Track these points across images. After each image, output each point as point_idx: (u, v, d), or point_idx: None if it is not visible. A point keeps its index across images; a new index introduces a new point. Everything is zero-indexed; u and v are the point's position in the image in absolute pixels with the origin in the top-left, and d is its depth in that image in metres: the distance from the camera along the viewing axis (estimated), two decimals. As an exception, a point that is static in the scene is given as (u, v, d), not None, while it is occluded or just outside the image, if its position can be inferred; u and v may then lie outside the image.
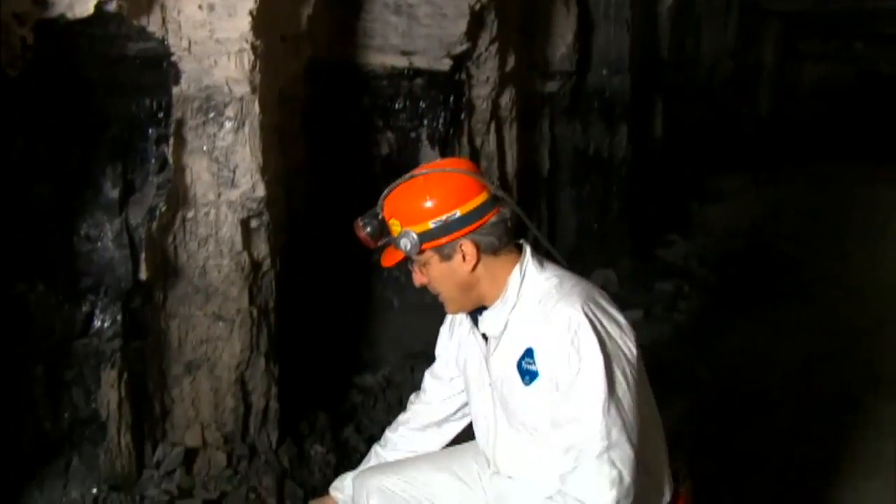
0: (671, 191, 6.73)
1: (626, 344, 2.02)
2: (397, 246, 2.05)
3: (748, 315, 5.17)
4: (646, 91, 6.22)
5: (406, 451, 2.50)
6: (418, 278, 2.13)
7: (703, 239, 6.58)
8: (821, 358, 4.48)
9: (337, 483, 2.52)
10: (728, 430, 3.76)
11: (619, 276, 5.23)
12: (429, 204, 2.02)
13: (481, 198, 2.04)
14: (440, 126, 4.10)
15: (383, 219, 2.08)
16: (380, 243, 2.11)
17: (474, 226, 2.02)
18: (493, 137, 4.41)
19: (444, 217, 2.01)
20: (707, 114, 7.82)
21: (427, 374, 2.52)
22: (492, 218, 2.04)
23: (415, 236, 2.02)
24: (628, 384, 1.97)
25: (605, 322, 2.00)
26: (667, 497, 2.17)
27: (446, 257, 2.05)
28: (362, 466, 2.54)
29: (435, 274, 2.08)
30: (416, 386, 3.87)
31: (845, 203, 7.21)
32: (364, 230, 2.08)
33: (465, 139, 4.21)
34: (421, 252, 2.04)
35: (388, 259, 2.11)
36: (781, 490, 3.33)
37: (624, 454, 1.93)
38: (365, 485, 2.40)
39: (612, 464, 1.92)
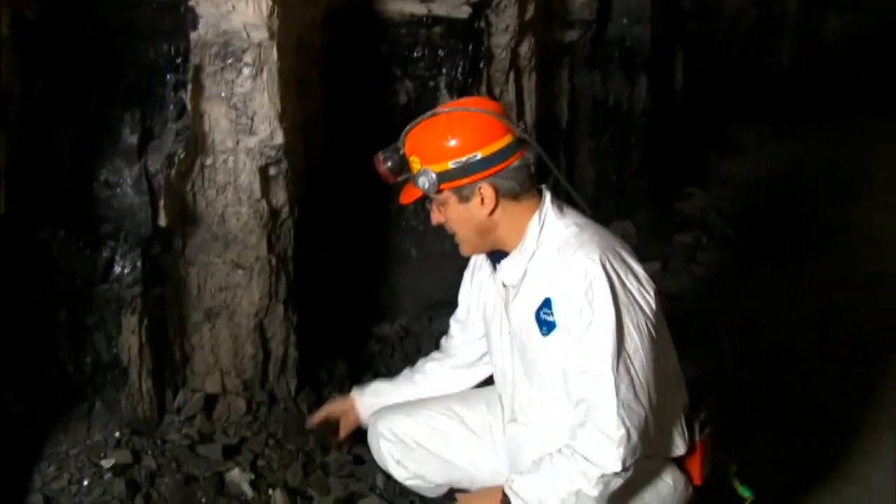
0: (690, 143, 6.66)
1: (645, 297, 2.00)
2: (416, 184, 2.02)
3: (767, 267, 5.14)
4: (666, 41, 6.12)
5: (435, 385, 2.50)
6: (436, 217, 2.12)
7: (721, 191, 6.51)
8: (840, 310, 4.46)
9: (363, 389, 2.54)
10: (746, 381, 3.76)
11: (637, 228, 5.19)
12: (450, 144, 1.98)
13: (505, 140, 2.00)
14: (459, 75, 4.06)
15: (404, 154, 2.05)
16: (399, 179, 2.09)
17: (495, 169, 1.99)
18: (511, 87, 4.37)
19: (464, 158, 1.98)
20: (728, 65, 7.71)
21: (452, 320, 2.52)
22: (514, 162, 2.00)
23: (433, 176, 1.99)
24: (642, 339, 1.96)
25: (622, 274, 1.98)
26: (681, 448, 2.17)
27: (464, 199, 2.02)
28: (393, 381, 2.54)
29: (452, 215, 2.06)
30: (433, 335, 3.91)
31: (868, 158, 7.11)
32: (384, 165, 2.06)
33: (483, 88, 4.17)
34: (439, 192, 2.01)
35: (407, 196, 2.10)
36: (800, 440, 3.34)
37: (633, 412, 1.93)
38: (377, 426, 2.43)
39: (621, 422, 1.91)
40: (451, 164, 1.99)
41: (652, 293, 2.03)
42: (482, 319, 2.31)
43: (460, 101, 2.16)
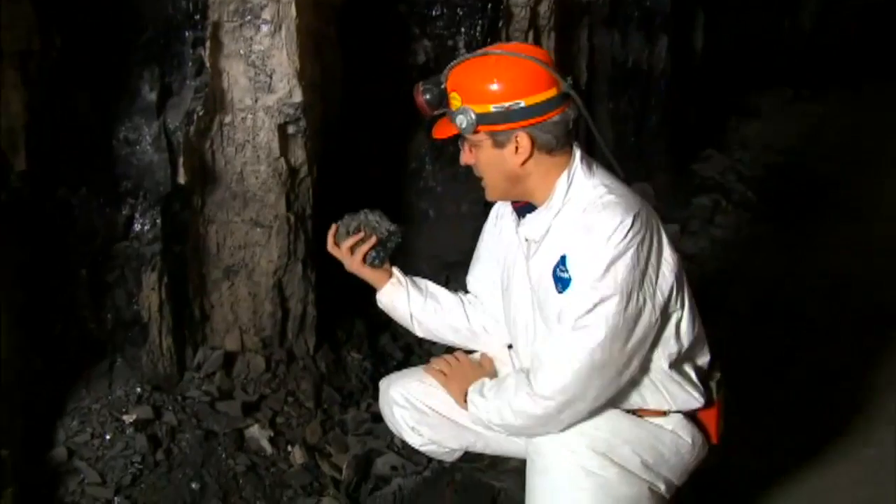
0: (710, 105, 6.59)
1: (660, 264, 2.00)
2: (453, 120, 1.99)
3: (786, 231, 5.11)
4: (687, 2, 6.05)
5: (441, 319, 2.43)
6: (466, 157, 2.08)
7: (740, 154, 6.45)
8: (858, 275, 4.43)
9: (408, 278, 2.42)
10: (763, 343, 3.76)
11: (655, 190, 5.15)
12: (494, 87, 1.95)
13: (550, 93, 1.97)
14: (477, 34, 4.02)
15: (445, 89, 2.01)
16: (435, 113, 2.05)
17: (535, 120, 1.96)
18: (530, 47, 4.33)
19: (506, 104, 1.94)
20: (748, 27, 7.61)
21: (467, 291, 2.46)
22: (555, 116, 1.98)
23: (472, 115, 1.95)
24: (643, 309, 1.96)
25: (640, 242, 1.96)
26: (699, 402, 2.17)
27: (499, 144, 1.99)
28: (426, 294, 2.44)
29: (484, 158, 2.03)
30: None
31: (889, 123, 7.02)
32: (423, 96, 2.03)
33: (502, 48, 4.13)
34: (475, 133, 1.99)
35: (441, 131, 2.06)
36: (814, 403, 3.34)
37: (595, 372, 1.96)
38: (389, 392, 2.40)
39: (574, 376, 1.96)
40: (492, 108, 1.95)
41: (672, 261, 2.03)
42: (501, 267, 2.29)
43: (511, 46, 2.11)
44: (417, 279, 2.45)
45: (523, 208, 2.13)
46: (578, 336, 1.94)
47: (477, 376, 2.23)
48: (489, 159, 2.03)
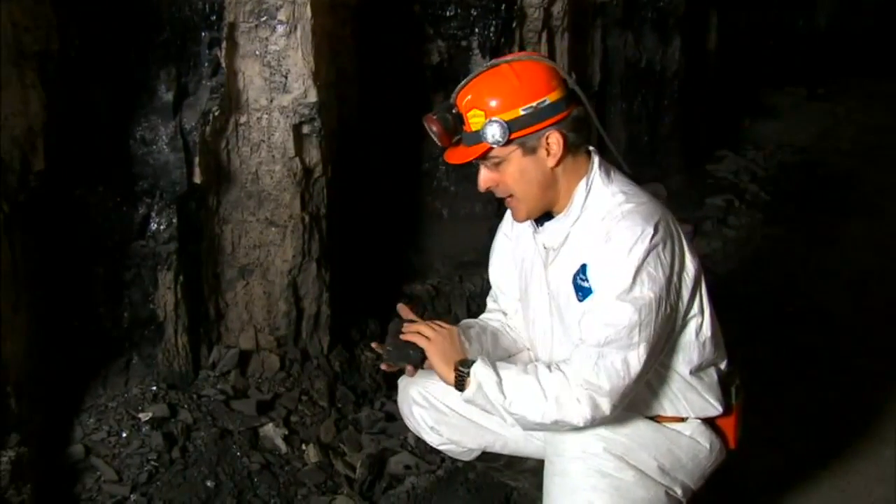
0: (723, 105, 6.58)
1: (679, 272, 1.99)
2: (479, 139, 1.97)
3: (801, 230, 5.10)
4: (700, 2, 6.04)
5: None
6: (486, 180, 2.05)
7: (754, 154, 6.44)
8: (876, 272, 4.42)
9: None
10: (778, 343, 3.75)
11: (669, 191, 5.13)
12: (519, 90, 1.94)
13: (562, 89, 1.98)
14: (491, 34, 4.03)
15: (458, 113, 2.00)
16: (454, 139, 2.03)
17: (561, 115, 1.96)
18: (544, 47, 4.32)
19: (534, 104, 1.94)
20: (762, 26, 7.59)
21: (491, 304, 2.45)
22: (574, 111, 1.99)
23: (504, 124, 1.93)
24: (659, 316, 1.95)
25: (659, 249, 1.95)
26: (718, 409, 2.17)
27: (530, 150, 1.97)
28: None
29: (512, 171, 2.00)
30: (464, 295, 3.92)
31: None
32: (439, 125, 2.00)
33: (516, 48, 4.13)
34: (507, 143, 1.96)
35: (458, 156, 2.03)
36: (832, 401, 3.33)
37: (614, 376, 1.93)
38: (408, 391, 2.40)
39: (595, 385, 1.92)
40: (521, 111, 1.94)
41: (692, 267, 2.02)
42: (519, 276, 2.29)
43: (511, 55, 2.10)
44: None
45: (541, 217, 2.12)
46: (612, 350, 1.93)
47: (459, 350, 2.14)
48: (520, 170, 2.00)
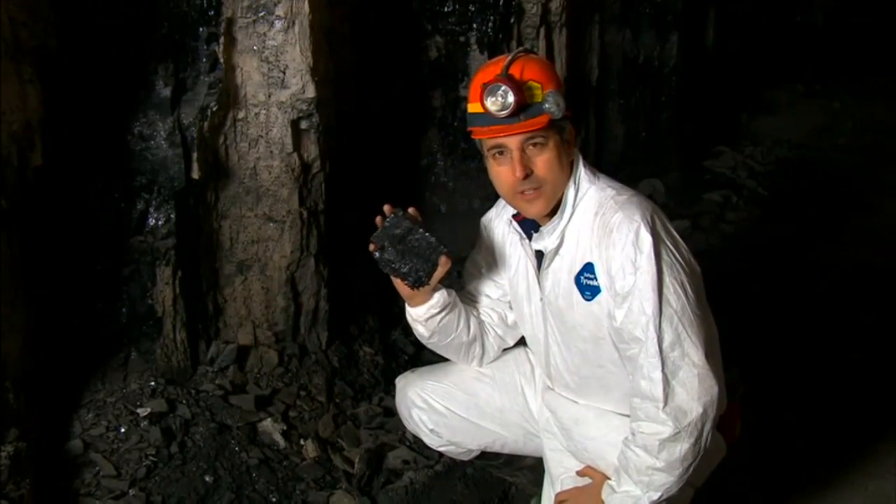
0: (721, 101, 6.59)
1: (686, 257, 2.00)
2: (544, 108, 1.91)
3: (797, 226, 5.11)
4: (698, -2, 6.05)
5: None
6: (524, 166, 1.97)
7: (751, 150, 6.45)
8: (875, 267, 4.42)
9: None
10: (777, 339, 3.76)
11: (666, 187, 5.17)
12: (554, 74, 1.98)
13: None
14: (489, 30, 4.04)
15: (520, 80, 1.92)
16: (520, 113, 1.92)
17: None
18: (542, 43, 4.33)
19: (562, 89, 1.96)
20: (760, 23, 7.60)
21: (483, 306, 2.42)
22: None
23: (560, 98, 1.91)
24: (688, 298, 1.94)
25: (663, 235, 1.96)
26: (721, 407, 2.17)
27: (564, 137, 1.99)
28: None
29: (549, 156, 1.98)
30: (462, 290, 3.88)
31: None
32: (510, 96, 1.89)
33: (514, 44, 4.13)
34: (559, 121, 1.93)
35: (514, 129, 1.94)
36: (834, 400, 3.34)
37: (678, 369, 1.91)
38: (407, 393, 2.39)
39: (665, 381, 1.90)
40: (562, 92, 1.95)
41: (691, 257, 2.03)
42: (509, 287, 2.28)
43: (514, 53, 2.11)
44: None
45: (528, 222, 2.12)
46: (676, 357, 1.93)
47: (595, 490, 2.12)
48: (556, 156, 1.98)
